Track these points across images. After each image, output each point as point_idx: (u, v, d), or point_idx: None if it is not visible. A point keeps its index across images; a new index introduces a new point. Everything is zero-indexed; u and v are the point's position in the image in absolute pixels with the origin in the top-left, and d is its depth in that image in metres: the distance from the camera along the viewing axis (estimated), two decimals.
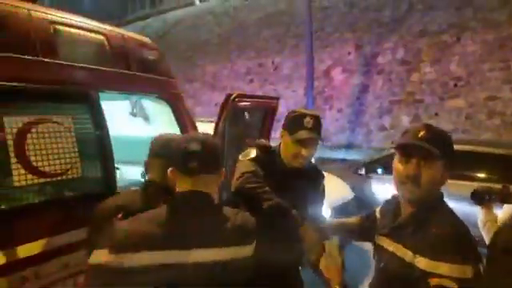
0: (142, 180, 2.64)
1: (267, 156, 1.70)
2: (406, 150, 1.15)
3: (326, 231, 1.49)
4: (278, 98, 2.93)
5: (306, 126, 1.60)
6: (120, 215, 1.13)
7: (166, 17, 19.17)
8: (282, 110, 2.60)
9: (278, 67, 13.34)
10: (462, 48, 9.05)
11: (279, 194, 1.54)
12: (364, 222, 1.45)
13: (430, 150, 1.10)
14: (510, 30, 8.38)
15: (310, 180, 1.74)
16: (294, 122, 1.63)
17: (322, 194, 1.80)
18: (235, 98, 2.38)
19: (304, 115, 1.63)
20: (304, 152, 1.62)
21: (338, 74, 11.59)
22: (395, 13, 11.52)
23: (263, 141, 1.84)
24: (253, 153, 1.68)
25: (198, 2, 19.18)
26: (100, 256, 1.00)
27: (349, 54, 11.65)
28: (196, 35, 16.99)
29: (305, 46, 9.80)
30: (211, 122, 2.65)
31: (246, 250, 1.15)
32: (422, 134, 1.14)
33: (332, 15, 13.25)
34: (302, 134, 1.59)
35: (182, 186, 1.12)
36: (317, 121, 1.64)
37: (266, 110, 2.83)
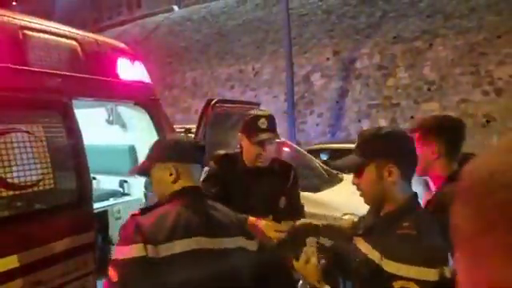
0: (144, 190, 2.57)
1: (226, 163, 1.78)
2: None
3: (299, 229, 1.53)
4: (258, 104, 2.92)
5: (261, 128, 1.68)
6: (137, 211, 1.17)
7: (144, 22, 18.99)
8: None
9: (258, 73, 13.43)
10: (435, 53, 9.39)
11: (248, 194, 1.64)
12: (356, 225, 1.45)
13: (354, 161, 1.17)
14: (478, 35, 8.76)
15: (276, 175, 1.80)
16: (250, 125, 1.71)
17: (293, 185, 1.85)
18: (216, 103, 2.34)
19: (257, 117, 1.71)
20: (264, 152, 1.71)
21: (317, 79, 11.76)
22: (370, 20, 11.83)
23: (218, 152, 1.88)
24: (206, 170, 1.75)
25: (176, 8, 19.12)
26: (135, 250, 1.05)
27: (327, 59, 11.86)
28: (175, 41, 16.90)
29: (284, 51, 9.91)
30: (186, 129, 2.60)
31: (252, 244, 1.27)
32: (356, 143, 1.20)
33: (310, 22, 13.46)
34: (260, 136, 1.67)
35: (189, 182, 1.22)
36: (271, 120, 1.72)
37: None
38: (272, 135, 1.70)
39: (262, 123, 1.68)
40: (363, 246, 1.20)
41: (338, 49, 11.66)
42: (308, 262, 1.30)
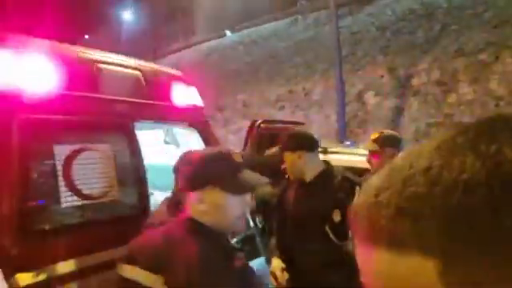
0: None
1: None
2: None
3: None
4: (303, 123, 3.03)
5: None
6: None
7: (198, 48, 20.07)
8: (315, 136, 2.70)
9: (309, 93, 13.47)
10: (502, 66, 8.79)
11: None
12: None
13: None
14: None
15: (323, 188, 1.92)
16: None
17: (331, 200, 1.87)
18: (260, 124, 2.50)
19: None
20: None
21: (370, 98, 11.54)
22: (429, 34, 11.44)
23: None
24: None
25: (229, 33, 19.96)
26: None
27: (381, 77, 11.62)
28: (227, 65, 17.59)
29: (335, 71, 9.93)
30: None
31: None
32: None
33: (362, 39, 13.35)
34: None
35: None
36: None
37: None
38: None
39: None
40: None
41: (393, 66, 11.39)
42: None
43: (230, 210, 1.15)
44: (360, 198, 0.32)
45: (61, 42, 2.08)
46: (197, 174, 1.14)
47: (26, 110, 1.63)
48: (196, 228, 1.14)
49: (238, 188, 1.14)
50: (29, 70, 1.68)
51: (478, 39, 9.69)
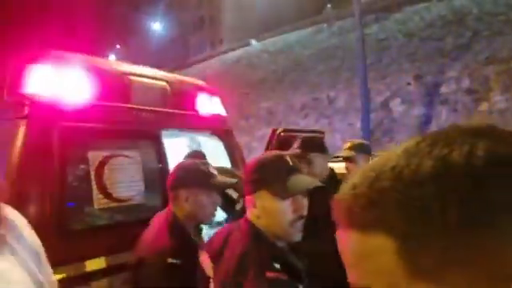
0: None
1: None
2: None
3: None
4: (322, 132, 3.08)
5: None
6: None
7: (224, 57, 20.43)
8: (338, 144, 2.76)
9: (333, 101, 13.40)
10: None
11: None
12: None
13: None
14: None
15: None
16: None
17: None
18: (281, 132, 2.58)
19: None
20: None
21: (396, 106, 11.35)
22: (459, 40, 11.19)
23: None
24: None
25: (254, 42, 20.19)
26: None
27: (408, 84, 11.42)
28: (252, 73, 17.78)
29: (360, 78, 9.90)
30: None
31: None
32: None
33: (389, 46, 13.18)
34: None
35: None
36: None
37: None
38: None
39: None
40: None
41: (421, 73, 11.19)
42: None
43: (280, 215, 1.12)
44: (341, 191, 0.40)
45: (94, 50, 2.26)
46: (248, 178, 1.18)
47: (65, 118, 1.80)
48: (251, 231, 1.15)
49: (286, 192, 1.11)
50: (68, 83, 1.85)
51: (510, 46, 9.38)
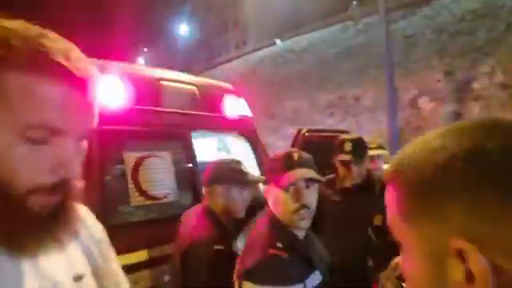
0: None
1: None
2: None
3: None
4: (347, 132, 3.11)
5: (344, 150, 1.96)
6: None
7: (249, 58, 20.56)
8: None
9: (360, 99, 13.23)
10: None
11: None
12: None
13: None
14: None
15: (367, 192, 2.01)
16: (336, 148, 2.01)
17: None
18: (306, 132, 2.64)
19: (343, 141, 2.00)
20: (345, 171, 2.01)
21: (426, 103, 11.08)
22: (491, 34, 10.79)
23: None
24: None
25: (279, 42, 20.18)
26: None
27: (438, 81, 11.11)
28: (277, 73, 17.80)
29: (386, 75, 9.75)
30: None
31: None
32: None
33: (417, 43, 12.87)
34: (341, 157, 1.97)
35: None
36: (355, 143, 2.00)
37: None
38: (352, 158, 1.97)
39: (347, 146, 1.98)
40: None
41: (451, 69, 10.87)
42: None
43: (284, 204, 1.25)
44: (393, 159, 0.48)
45: (123, 55, 2.40)
46: (265, 173, 1.35)
47: (104, 122, 1.94)
48: (268, 217, 1.30)
49: (285, 183, 1.23)
50: (106, 89, 1.99)
51: None
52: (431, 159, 0.42)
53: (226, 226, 1.65)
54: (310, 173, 1.27)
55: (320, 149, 2.90)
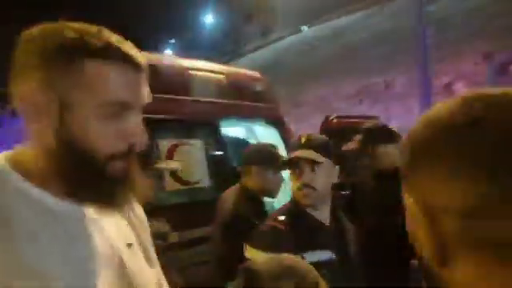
0: None
1: None
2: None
3: None
4: (376, 117, 3.08)
5: None
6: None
7: (275, 46, 20.40)
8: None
9: (390, 85, 12.88)
10: None
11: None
12: None
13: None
14: None
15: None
16: None
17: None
18: (334, 119, 2.64)
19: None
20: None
21: (462, 88, 10.63)
22: None
23: None
24: None
25: (305, 29, 19.89)
26: None
27: (475, 64, 10.63)
28: (303, 60, 17.60)
29: (419, 60, 9.37)
30: None
31: None
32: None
33: (451, 25, 12.33)
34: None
35: None
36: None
37: None
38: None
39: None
40: None
41: (489, 52, 10.35)
42: None
43: (291, 183, 1.36)
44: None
45: (151, 46, 2.48)
46: None
47: None
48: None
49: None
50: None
51: None
52: (419, 129, 0.47)
53: (262, 203, 1.76)
54: (307, 153, 1.31)
55: (348, 135, 2.90)
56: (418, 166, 0.45)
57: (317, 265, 1.21)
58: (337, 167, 1.36)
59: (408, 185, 0.48)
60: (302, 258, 1.23)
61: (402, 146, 0.49)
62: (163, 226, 1.76)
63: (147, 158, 1.82)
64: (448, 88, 10.92)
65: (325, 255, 1.30)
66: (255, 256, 1.22)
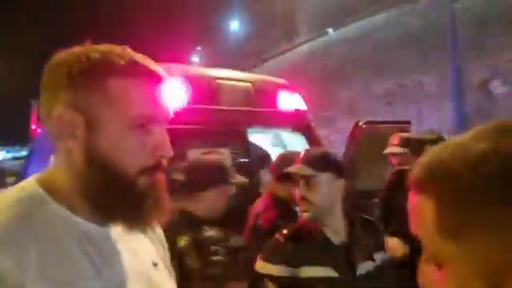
0: None
1: None
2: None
3: None
4: (408, 122, 2.99)
5: None
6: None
7: (301, 49, 20.30)
8: None
9: (421, 85, 12.50)
10: None
11: None
12: None
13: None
14: None
15: None
16: None
17: None
18: (363, 124, 2.59)
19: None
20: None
21: (497, 87, 10.16)
22: None
23: None
24: None
25: (331, 31, 19.66)
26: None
27: (510, 62, 10.13)
28: (331, 63, 17.40)
29: (451, 58, 9.02)
30: None
31: None
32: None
33: (487, 21, 11.82)
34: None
35: None
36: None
37: None
38: None
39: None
40: None
41: None
42: None
43: None
44: (423, 164, 0.48)
45: (178, 55, 2.54)
46: None
47: (168, 122, 2.09)
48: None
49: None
50: (168, 90, 2.13)
51: None
52: (473, 166, 0.41)
53: (291, 209, 1.80)
54: (297, 169, 1.37)
55: (378, 142, 2.83)
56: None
57: (312, 280, 1.22)
58: (342, 180, 1.36)
59: (464, 238, 0.40)
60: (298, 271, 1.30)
61: (443, 189, 0.42)
62: (236, 241, 1.84)
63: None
64: (483, 86, 10.45)
65: (323, 272, 1.28)
66: (261, 266, 1.30)
